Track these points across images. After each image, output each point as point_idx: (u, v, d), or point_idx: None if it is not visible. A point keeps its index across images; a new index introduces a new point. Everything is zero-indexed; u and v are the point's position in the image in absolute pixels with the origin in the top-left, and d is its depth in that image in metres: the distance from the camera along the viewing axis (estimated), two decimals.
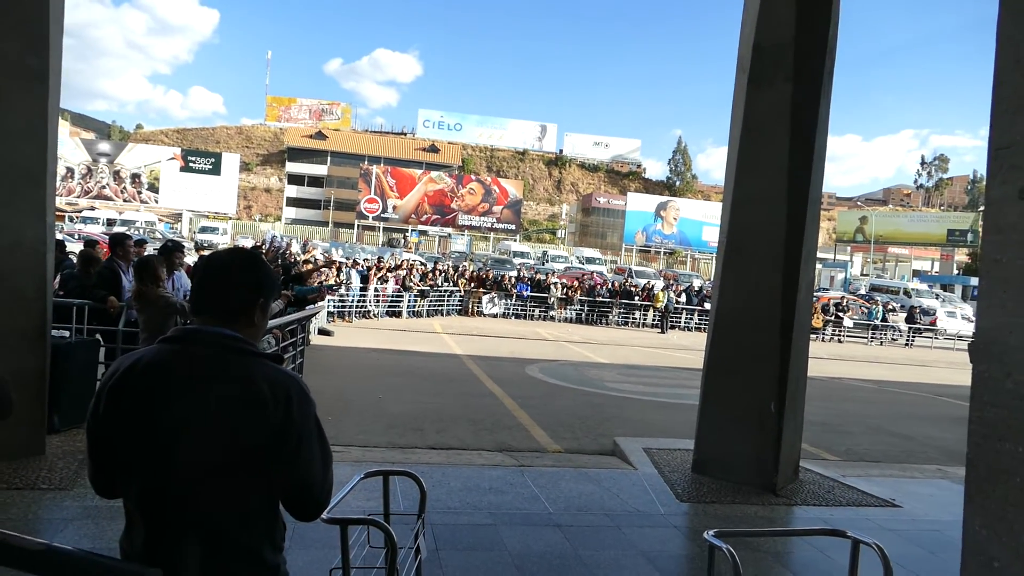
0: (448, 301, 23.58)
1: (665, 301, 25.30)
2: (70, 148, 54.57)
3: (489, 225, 63.97)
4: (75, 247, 20.78)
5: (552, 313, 25.13)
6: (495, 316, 24.30)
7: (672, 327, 25.59)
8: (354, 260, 22.83)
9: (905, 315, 30.55)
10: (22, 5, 4.86)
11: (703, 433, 6.34)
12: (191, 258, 14.42)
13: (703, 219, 63.06)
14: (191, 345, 1.72)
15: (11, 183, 4.90)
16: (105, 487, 1.78)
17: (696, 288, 29.08)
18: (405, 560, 2.51)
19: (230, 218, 58.21)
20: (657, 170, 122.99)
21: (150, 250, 8.99)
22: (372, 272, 20.97)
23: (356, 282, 19.72)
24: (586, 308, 25.52)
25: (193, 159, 58.31)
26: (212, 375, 1.67)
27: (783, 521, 5.38)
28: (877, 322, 29.12)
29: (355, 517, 2.10)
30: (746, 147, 6.15)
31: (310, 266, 14.83)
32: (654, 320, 26.12)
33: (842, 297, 33.07)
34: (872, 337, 28.51)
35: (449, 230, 62.40)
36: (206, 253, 1.91)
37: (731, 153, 6.34)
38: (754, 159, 6.11)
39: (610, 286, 27.59)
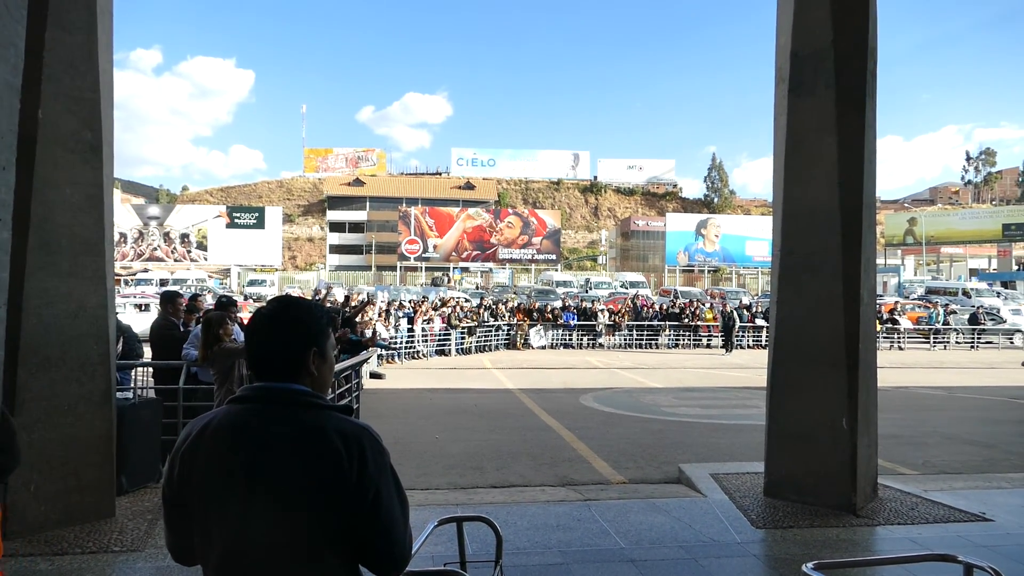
0: (495, 336, 23.57)
1: (726, 317, 24.53)
2: (122, 214, 56.63)
3: (530, 257, 64.11)
4: (132, 313, 21.37)
5: (601, 340, 24.91)
6: (543, 348, 24.18)
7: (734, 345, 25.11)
8: (400, 302, 23.02)
9: (968, 317, 29.43)
10: (76, 82, 5.05)
11: (772, 454, 6.12)
12: (244, 313, 14.71)
13: (745, 234, 62.20)
14: (260, 403, 1.69)
15: (73, 253, 5.04)
16: (183, 554, 1.76)
17: (746, 304, 28.54)
18: None
19: (276, 269, 59.52)
20: (694, 188, 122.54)
21: (208, 302, 9.18)
22: (419, 312, 21.11)
23: (404, 324, 19.87)
24: (635, 332, 25.23)
25: (238, 215, 59.92)
26: (286, 431, 1.65)
27: (868, 543, 5.13)
28: (939, 326, 28.13)
29: (434, 570, 2.04)
30: (792, 158, 6.03)
31: (355, 305, 14.99)
32: (709, 340, 25.67)
33: (896, 302, 32.06)
34: (935, 342, 27.53)
35: (490, 265, 62.68)
36: (259, 308, 1.89)
37: (777, 165, 6.21)
38: (802, 169, 5.98)
39: (657, 308, 27.27)
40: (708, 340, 25.81)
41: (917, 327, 28.23)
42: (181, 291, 8.86)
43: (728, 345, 23.98)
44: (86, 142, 5.08)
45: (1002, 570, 2.35)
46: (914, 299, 37.36)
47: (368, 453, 1.64)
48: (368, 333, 14.31)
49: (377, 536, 1.66)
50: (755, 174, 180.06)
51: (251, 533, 1.61)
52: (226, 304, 7.09)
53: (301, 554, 1.61)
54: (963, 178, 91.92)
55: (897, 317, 27.62)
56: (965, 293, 39.05)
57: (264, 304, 1.88)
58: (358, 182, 78.00)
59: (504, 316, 24.34)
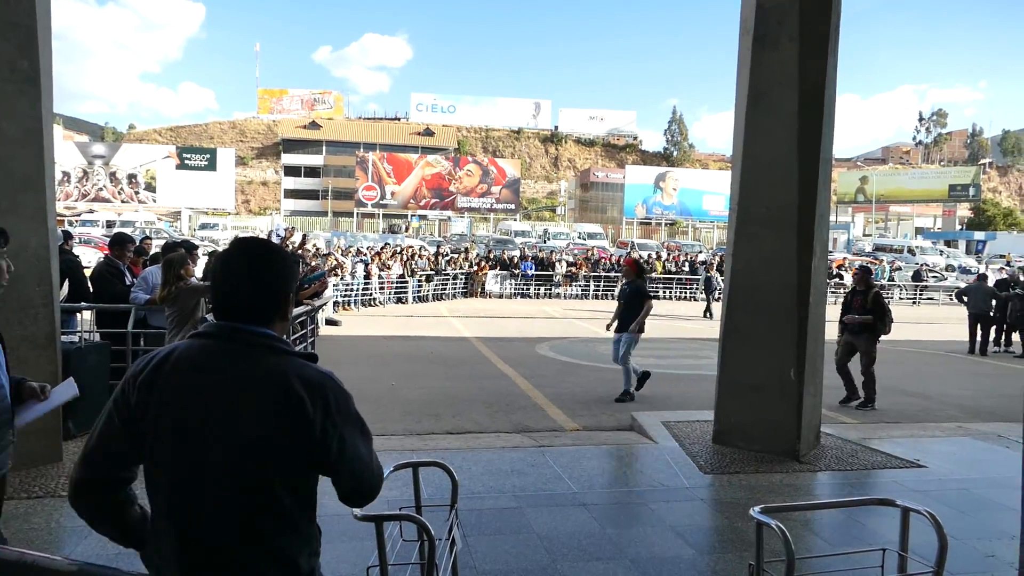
0: (453, 284, 23.53)
1: (707, 279, 21.94)
2: (65, 152, 54.26)
3: (488, 206, 63.71)
4: (79, 249, 20.70)
5: (558, 291, 25.07)
6: (500, 296, 24.24)
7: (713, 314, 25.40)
8: (356, 248, 22.73)
9: (911, 274, 30.41)
10: (9, 7, 4.74)
11: (722, 403, 6.28)
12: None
13: (703, 188, 62.73)
14: (226, 343, 1.66)
15: (11, 190, 4.81)
16: (103, 473, 1.65)
17: (701, 260, 28.91)
18: (440, 553, 2.45)
19: (229, 213, 58.09)
20: (654, 141, 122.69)
21: (154, 247, 8.91)
22: (375, 259, 20.89)
23: (360, 271, 19.65)
24: (592, 283, 25.44)
25: (188, 156, 58.01)
26: (248, 374, 1.62)
27: (810, 488, 5.34)
28: (884, 282, 29.01)
29: (389, 513, 2.05)
30: (754, 111, 6.03)
31: (314, 260, 14.76)
32: (670, 292, 26.03)
33: (844, 258, 32.93)
34: None
35: (449, 213, 62.18)
36: (219, 249, 1.83)
37: (738, 118, 6.22)
38: (762, 122, 6.00)
39: (612, 259, 27.49)
40: (667, 292, 26.18)
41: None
42: (130, 234, 8.56)
43: (708, 311, 20.59)
44: (22, 71, 4.79)
45: (935, 513, 2.46)
46: (862, 256, 38.42)
47: (331, 399, 1.64)
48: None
49: (344, 479, 1.70)
50: (714, 129, 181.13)
51: (206, 473, 1.58)
52: (187, 247, 6.90)
53: (256, 495, 1.59)
54: (915, 138, 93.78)
55: (843, 273, 28.40)
56: (910, 251, 40.32)
57: (231, 243, 1.83)
58: (314, 125, 75.98)
59: (463, 266, 24.24)
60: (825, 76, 5.80)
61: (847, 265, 29.69)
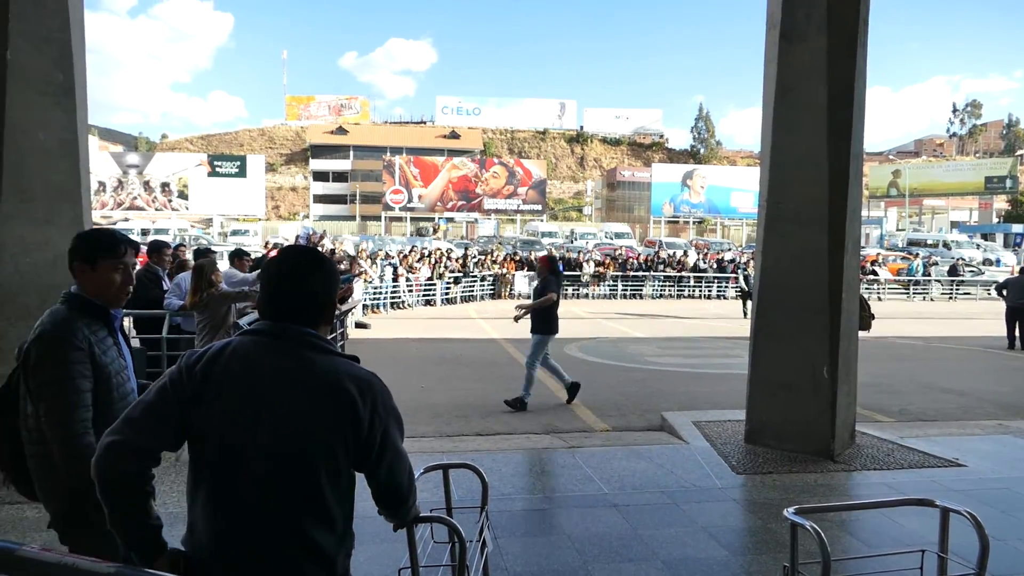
0: (480, 286, 23.57)
1: (743, 273, 21.06)
2: (100, 162, 55.43)
3: (515, 207, 63.65)
4: None
5: (586, 291, 24.99)
6: (528, 296, 24.21)
7: (711, 296, 25.24)
8: (385, 252, 22.90)
9: (948, 268, 29.76)
10: (44, 22, 4.85)
11: (754, 402, 6.21)
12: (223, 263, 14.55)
13: (730, 185, 61.99)
14: (277, 340, 1.72)
15: (48, 200, 4.92)
16: (143, 440, 1.64)
17: (729, 259, 28.59)
18: (471, 554, 2.46)
19: (259, 219, 58.81)
20: (680, 139, 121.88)
21: (189, 254, 9.07)
22: (403, 262, 21.01)
23: (388, 274, 19.78)
24: (620, 283, 25.30)
25: (219, 164, 58.85)
26: (301, 371, 1.68)
27: (845, 488, 5.25)
28: (918, 277, 28.45)
29: (421, 515, 2.05)
30: (782, 106, 5.96)
31: (344, 264, 14.89)
32: (700, 291, 25.81)
33: (877, 253, 32.33)
34: (914, 293, 27.87)
35: (476, 215, 62.30)
36: (272, 254, 1.90)
37: (766, 113, 6.15)
38: (791, 117, 5.92)
39: (641, 259, 27.34)
40: (696, 290, 25.97)
41: (897, 278, 28.53)
42: (168, 241, 8.73)
43: (747, 310, 19.13)
44: (57, 84, 4.90)
45: (976, 513, 2.40)
46: (895, 251, 37.72)
47: (379, 396, 1.73)
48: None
49: (382, 474, 1.77)
50: (742, 125, 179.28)
51: (254, 466, 1.62)
52: (206, 253, 7.02)
53: (302, 490, 1.64)
54: (948, 130, 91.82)
55: (877, 268, 27.88)
56: (945, 245, 39.45)
57: (280, 250, 1.90)
58: (341, 131, 76.70)
59: (491, 268, 24.27)
60: (855, 69, 5.71)
61: (880, 261, 29.16)
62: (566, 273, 24.78)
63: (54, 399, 2.24)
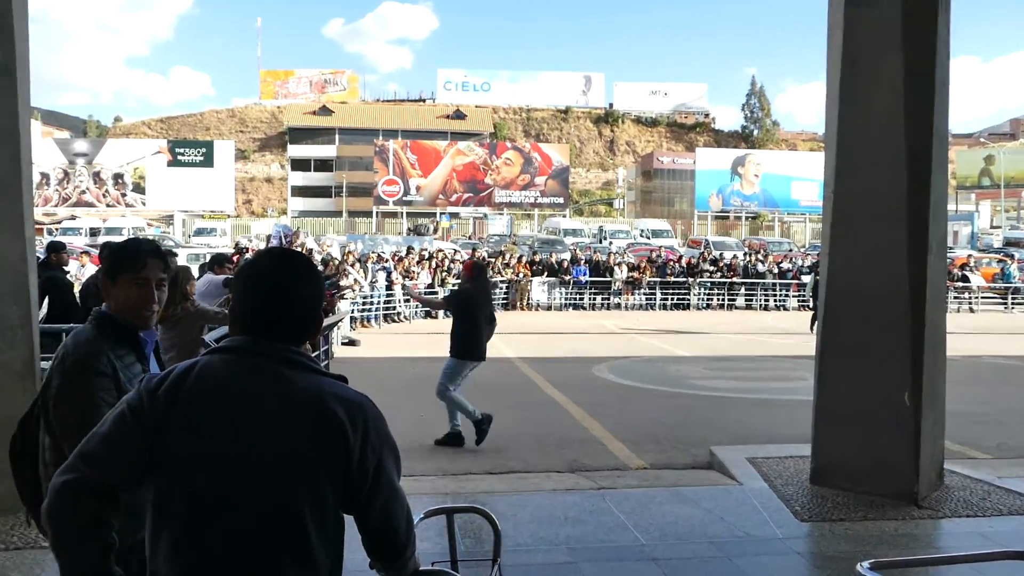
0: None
1: (814, 279, 20.91)
2: (43, 150, 56.11)
3: (532, 200, 63.84)
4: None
5: (618, 300, 24.99)
6: (548, 308, 24.25)
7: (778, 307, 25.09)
8: (377, 254, 23.02)
9: None
10: None
11: (821, 435, 6.18)
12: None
13: (790, 173, 61.80)
14: (252, 358, 1.73)
15: None
16: (104, 475, 1.65)
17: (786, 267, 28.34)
18: None
19: (228, 216, 59.26)
20: (729, 118, 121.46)
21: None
22: (399, 266, 21.09)
23: (382, 280, 19.85)
24: (659, 291, 25.28)
25: (181, 151, 59.44)
26: (281, 393, 1.69)
27: (932, 539, 5.21)
28: (1018, 284, 28.19)
29: (422, 569, 2.06)
30: (849, 81, 5.96)
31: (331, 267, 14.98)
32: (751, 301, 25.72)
33: (968, 256, 32.03)
34: (1013, 303, 27.61)
35: (485, 210, 62.49)
36: (247, 258, 1.93)
37: (830, 90, 6.15)
38: (861, 93, 5.92)
39: (683, 263, 27.27)
40: (751, 300, 25.92)
41: (992, 286, 28.26)
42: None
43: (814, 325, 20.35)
44: None
45: None
46: (990, 252, 37.37)
47: (371, 422, 1.73)
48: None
49: (375, 515, 1.77)
50: (803, 101, 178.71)
51: (228, 501, 1.64)
52: (223, 259, 7.13)
53: (282, 529, 1.65)
54: None
55: (968, 274, 27.64)
56: None
57: (258, 253, 1.94)
58: (325, 111, 77.26)
59: (504, 273, 24.32)
60: (936, 36, 5.70)
61: (972, 265, 28.89)
62: (593, 279, 24.79)
63: (76, 431, 2.30)
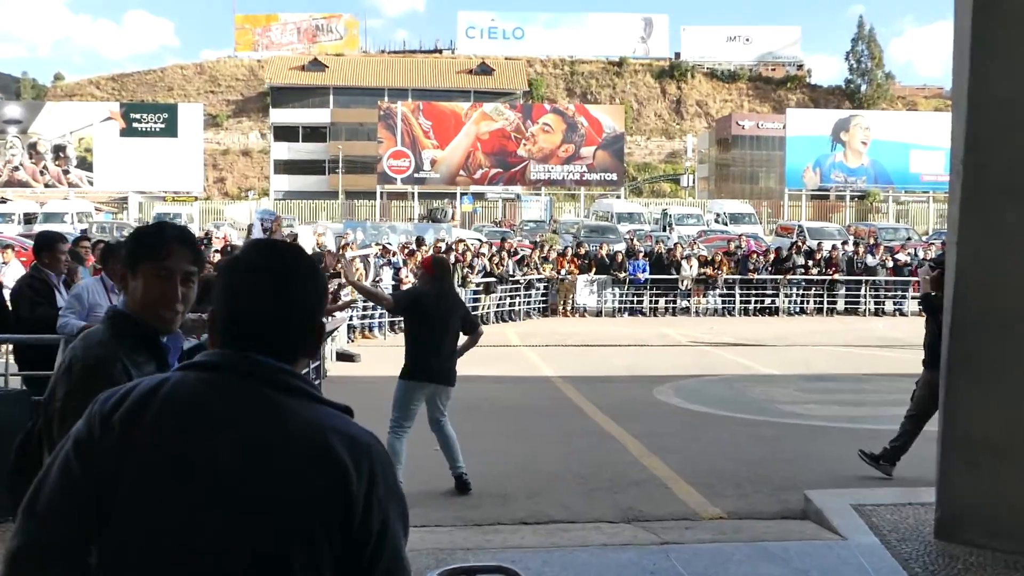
0: (525, 297, 23.61)
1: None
2: None
3: (577, 177, 63.85)
4: None
5: (686, 303, 24.87)
6: (597, 313, 24.22)
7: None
8: (383, 246, 23.16)
9: None
10: None
11: (949, 475, 6.11)
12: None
13: (909, 140, 61.19)
14: (237, 378, 1.71)
15: None
16: (58, 536, 1.66)
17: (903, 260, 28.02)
18: None
19: (196, 198, 59.83)
20: (830, 70, 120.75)
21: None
22: (409, 262, 21.17)
23: (387, 278, 19.95)
24: (738, 291, 25.13)
25: (137, 117, 60.02)
26: (271, 425, 1.67)
27: None
28: None
29: None
30: (984, 18, 5.88)
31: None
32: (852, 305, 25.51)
33: None
34: None
35: (518, 189, 62.59)
36: (236, 254, 1.92)
37: (959, 30, 6.09)
38: (999, 36, 5.85)
39: (770, 256, 27.07)
40: (856, 303, 25.71)
41: None
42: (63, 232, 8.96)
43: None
44: None
45: None
46: None
47: (379, 469, 1.71)
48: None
49: None
50: (925, 47, 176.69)
51: (200, 556, 1.62)
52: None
53: None
54: None
55: None
56: None
57: (247, 245, 1.96)
58: (317, 65, 77.89)
59: (542, 269, 24.31)
60: None
61: None
62: (655, 277, 24.66)
63: None
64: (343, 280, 15.97)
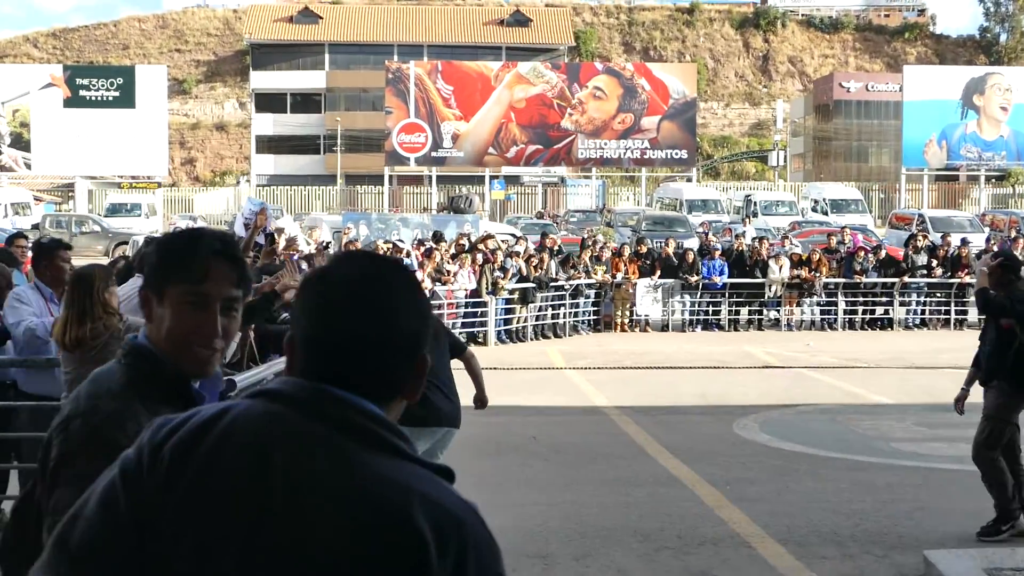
0: (572, 307, 23.61)
1: None
2: None
3: (637, 155, 63.55)
4: None
5: (776, 314, 24.78)
6: (662, 327, 24.18)
7: None
8: (393, 243, 23.29)
9: None
10: None
11: None
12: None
13: None
14: (309, 419, 1.72)
15: None
16: None
17: None
18: None
19: (159, 184, 60.02)
20: (959, 18, 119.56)
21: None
22: (427, 263, 21.25)
23: None
24: (842, 299, 25.01)
25: (85, 83, 60.16)
26: (340, 479, 1.67)
27: None
28: None
29: None
30: None
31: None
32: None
33: None
34: None
35: (562, 172, 62.50)
36: (323, 265, 1.94)
37: None
38: None
39: (882, 253, 26.92)
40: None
41: None
42: None
43: None
44: None
45: None
46: None
47: (470, 554, 1.68)
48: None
49: None
50: None
51: None
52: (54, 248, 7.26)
53: None
54: None
55: None
56: None
57: (334, 262, 1.95)
58: (309, 16, 78.04)
59: (593, 272, 24.29)
60: None
61: None
62: (735, 280, 24.57)
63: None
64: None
